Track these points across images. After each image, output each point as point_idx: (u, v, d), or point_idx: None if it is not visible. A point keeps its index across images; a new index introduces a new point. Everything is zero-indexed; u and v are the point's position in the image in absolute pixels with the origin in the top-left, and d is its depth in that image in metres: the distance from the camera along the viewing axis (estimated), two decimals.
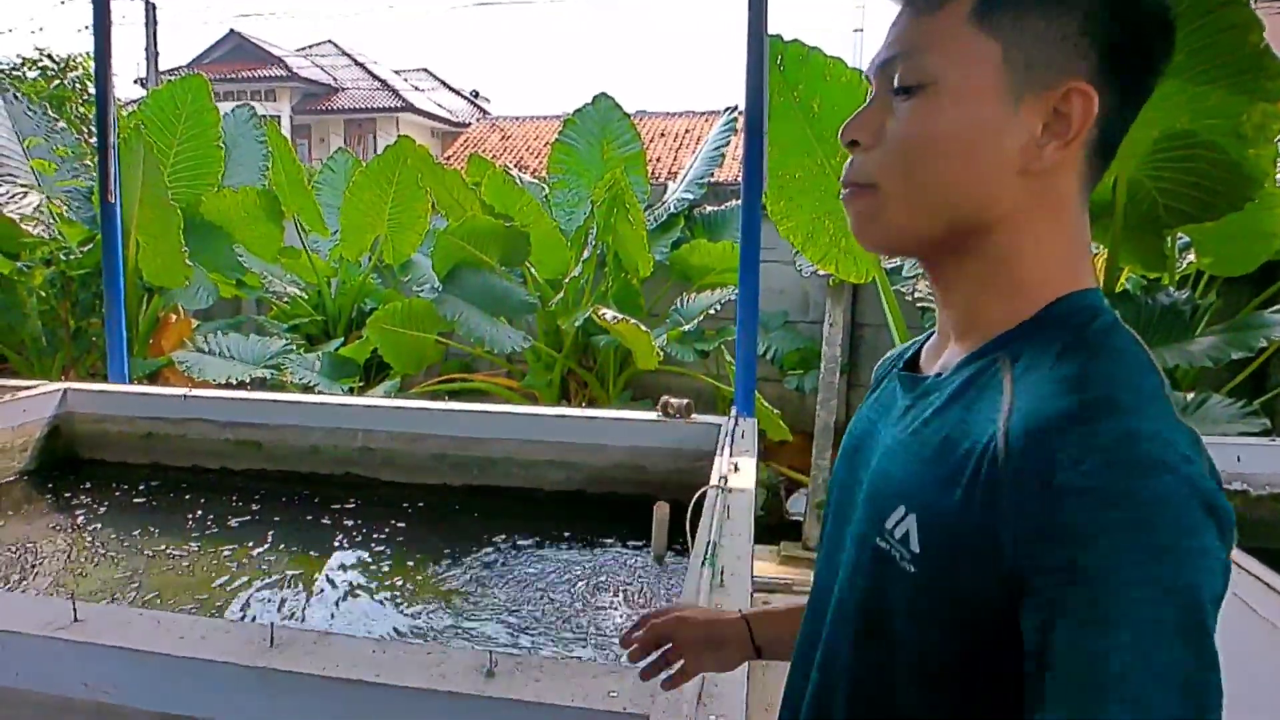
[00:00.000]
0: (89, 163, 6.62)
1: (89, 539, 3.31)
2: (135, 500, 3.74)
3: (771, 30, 3.89)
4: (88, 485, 3.84)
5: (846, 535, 0.74)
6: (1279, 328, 3.91)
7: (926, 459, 0.64)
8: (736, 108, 6.57)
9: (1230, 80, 3.35)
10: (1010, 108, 0.64)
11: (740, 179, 4.06)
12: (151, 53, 16.13)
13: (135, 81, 19.24)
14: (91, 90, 6.51)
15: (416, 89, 27.37)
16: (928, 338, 0.81)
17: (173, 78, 6.85)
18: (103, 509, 3.62)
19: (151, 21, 16.09)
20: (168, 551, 3.19)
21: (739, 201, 4.62)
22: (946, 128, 0.65)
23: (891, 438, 0.71)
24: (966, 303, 0.70)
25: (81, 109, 8.60)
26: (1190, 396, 3.96)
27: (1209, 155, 3.58)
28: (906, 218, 0.68)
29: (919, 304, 5.20)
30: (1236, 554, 2.01)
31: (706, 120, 15.66)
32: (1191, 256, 4.59)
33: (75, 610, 1.60)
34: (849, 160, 0.71)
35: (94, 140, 5.94)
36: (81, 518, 3.52)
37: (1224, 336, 3.89)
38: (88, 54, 8.78)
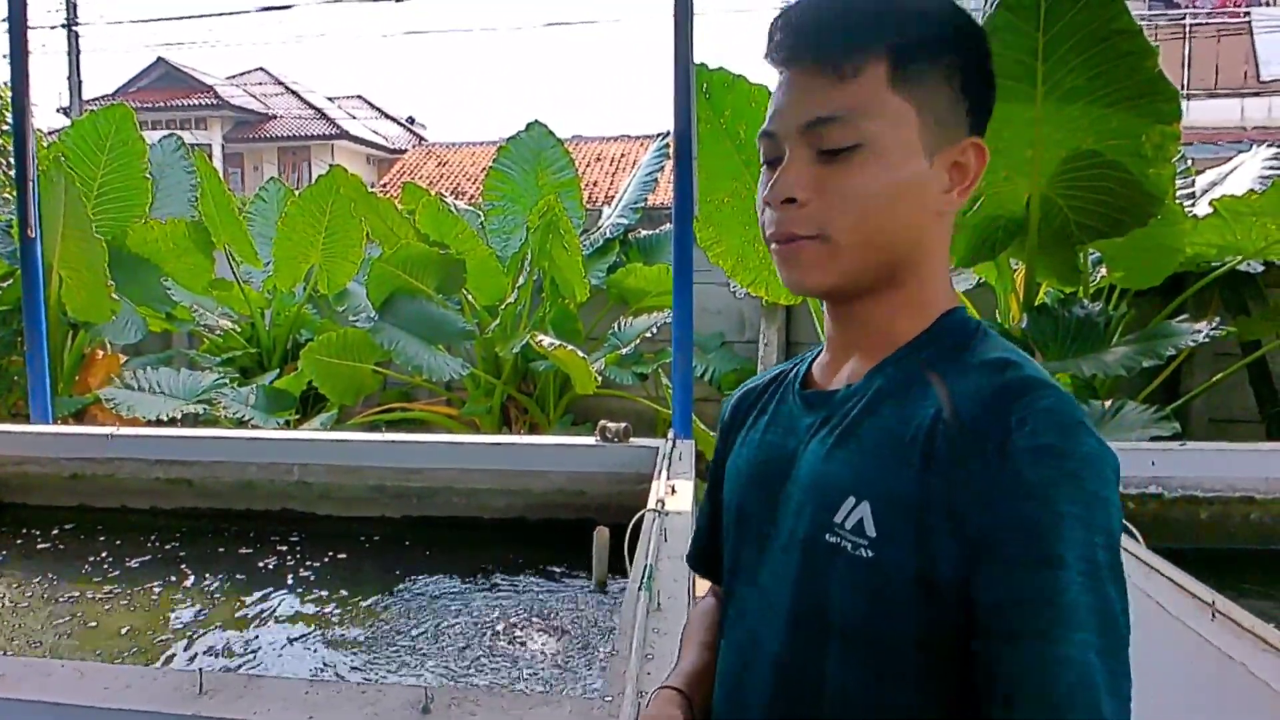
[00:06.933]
0: (7, 196, 6.44)
1: (9, 587, 3.20)
2: (59, 545, 3.62)
3: (701, 58, 3.99)
4: (7, 530, 3.71)
5: (775, 550, 0.78)
6: (1187, 336, 4.10)
7: (868, 452, 0.72)
8: (669, 133, 6.68)
9: (1129, 104, 3.53)
10: (928, 162, 0.74)
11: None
12: (75, 81, 15.70)
13: (59, 110, 18.70)
14: (9, 121, 6.35)
15: (351, 116, 27.08)
16: (799, 366, 0.88)
17: (98, 107, 6.71)
18: (25, 555, 3.50)
19: (75, 49, 15.67)
20: (93, 597, 3.10)
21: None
22: (888, 182, 0.73)
23: (816, 448, 0.77)
24: (880, 325, 0.78)
25: None
26: (1107, 404, 4.12)
27: (1114, 174, 3.77)
28: (858, 262, 0.75)
29: None
30: (1149, 556, 2.11)
31: (642, 145, 15.82)
32: (1103, 270, 4.80)
33: None
34: (780, 217, 0.75)
35: (12, 173, 5.77)
36: (1, 565, 3.40)
37: (1136, 346, 4.07)
38: (5, 84, 8.54)
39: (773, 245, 0.77)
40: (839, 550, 0.71)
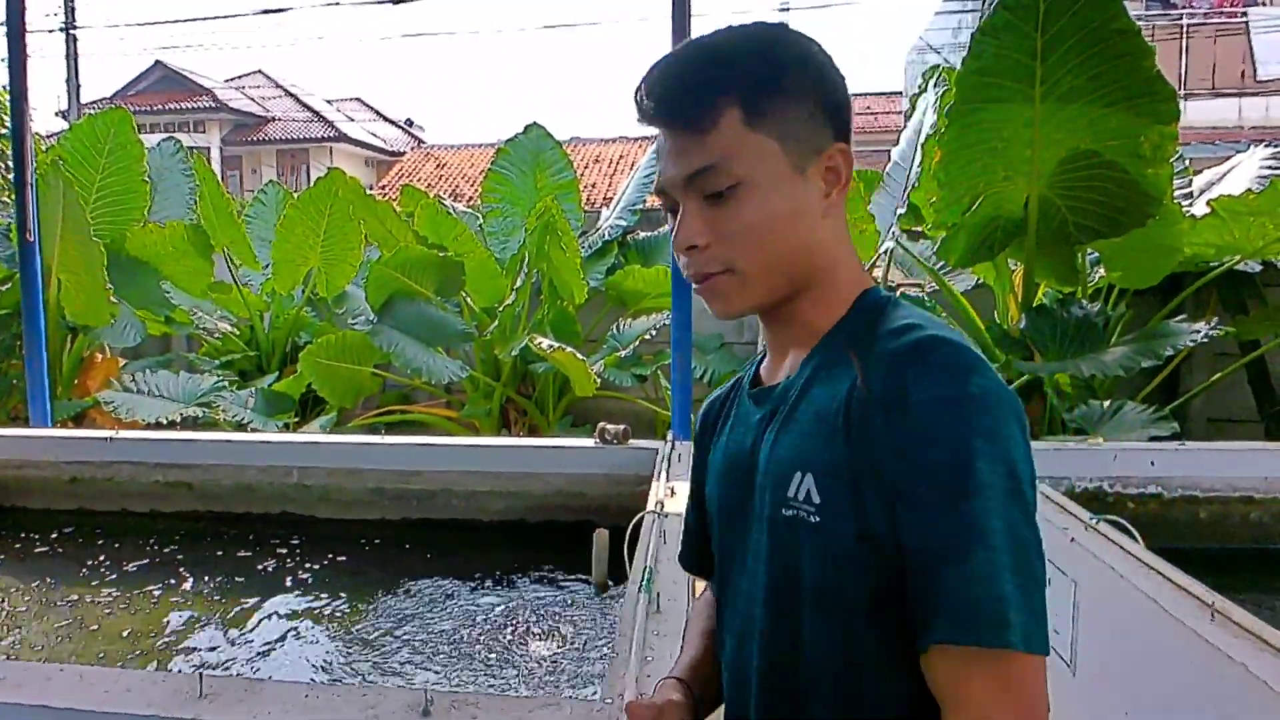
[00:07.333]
0: (6, 199, 6.43)
1: (9, 591, 3.20)
2: (59, 548, 3.62)
3: None
4: (7, 533, 3.70)
5: (752, 536, 0.85)
6: (1185, 336, 4.10)
7: (806, 432, 0.80)
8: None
9: (1127, 104, 3.54)
10: (801, 178, 0.83)
11: None
12: (73, 85, 15.68)
13: (57, 114, 18.68)
14: (8, 124, 6.36)
15: (349, 118, 27.07)
16: (749, 370, 0.97)
17: (95, 110, 6.70)
18: (24, 559, 3.50)
19: (72, 53, 15.66)
20: (93, 601, 3.10)
21: None
22: (770, 209, 0.81)
23: (768, 437, 0.85)
24: (805, 321, 0.86)
25: None
26: (1106, 404, 4.13)
27: (1112, 175, 3.77)
28: (768, 282, 0.84)
29: None
30: (1148, 556, 2.11)
31: (640, 146, 15.83)
32: (1101, 271, 4.80)
33: None
34: (690, 261, 0.85)
35: (11, 177, 5.77)
36: (0, 569, 3.40)
37: (1135, 346, 4.07)
38: (3, 87, 8.53)
39: (693, 285, 0.87)
40: (795, 521, 0.78)
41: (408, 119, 30.75)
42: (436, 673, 2.59)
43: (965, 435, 0.70)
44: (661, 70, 0.83)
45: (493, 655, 2.71)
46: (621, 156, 16.34)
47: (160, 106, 24.13)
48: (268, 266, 6.82)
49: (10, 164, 5.26)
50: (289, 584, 3.27)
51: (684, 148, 0.82)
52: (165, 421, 5.03)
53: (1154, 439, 3.69)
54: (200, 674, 1.51)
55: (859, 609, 0.75)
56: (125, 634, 2.85)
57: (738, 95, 0.80)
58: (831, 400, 0.78)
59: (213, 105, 24.88)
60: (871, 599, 0.74)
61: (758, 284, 0.84)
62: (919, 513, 0.70)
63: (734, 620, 0.89)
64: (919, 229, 5.56)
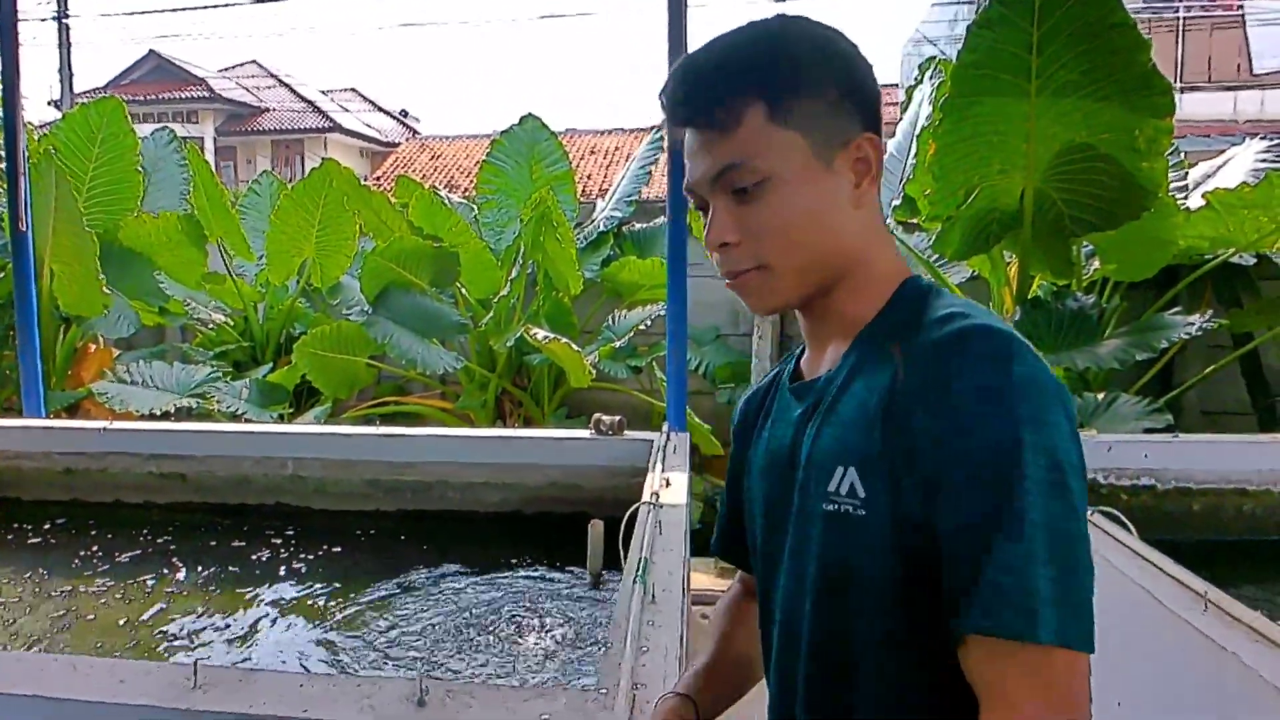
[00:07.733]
0: None
1: (2, 582, 3.19)
2: (52, 539, 3.61)
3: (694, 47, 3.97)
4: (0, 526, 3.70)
5: (794, 530, 0.85)
6: (1180, 329, 4.11)
7: (848, 425, 0.79)
8: (663, 125, 6.65)
9: (1123, 98, 3.54)
10: (829, 170, 0.82)
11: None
12: (66, 74, 15.59)
13: (49, 103, 18.58)
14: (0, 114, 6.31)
15: (344, 109, 26.97)
16: (788, 364, 0.97)
17: (89, 99, 6.66)
18: (17, 550, 3.49)
19: (65, 42, 15.56)
20: (87, 592, 3.09)
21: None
22: (799, 204, 0.81)
23: (810, 431, 0.84)
24: (843, 314, 0.86)
25: None
26: (1100, 397, 4.14)
27: (1107, 168, 3.77)
28: (799, 278, 0.84)
29: None
30: (1142, 547, 2.12)
31: (636, 137, 15.77)
32: (1096, 263, 4.80)
33: None
34: (722, 259, 0.85)
35: (3, 166, 5.74)
36: None
37: (1129, 339, 4.09)
38: None
39: (725, 282, 0.87)
40: (837, 515, 0.78)
41: (403, 110, 30.70)
42: (432, 663, 2.59)
43: (1007, 424, 0.69)
44: (683, 72, 0.83)
45: (488, 646, 2.71)
46: (617, 148, 16.31)
47: (154, 96, 24.03)
48: (262, 257, 6.80)
49: (2, 154, 5.23)
50: (284, 575, 3.27)
51: (710, 147, 0.82)
52: (159, 413, 5.02)
53: (1148, 431, 3.71)
54: (195, 664, 1.51)
55: (904, 600, 0.75)
56: (119, 625, 2.85)
57: (760, 92, 0.80)
58: (873, 392, 0.78)
59: (207, 95, 24.81)
60: (917, 591, 0.74)
61: (789, 279, 0.84)
62: (958, 502, 0.70)
63: (779, 618, 0.89)
64: (914, 220, 5.56)
